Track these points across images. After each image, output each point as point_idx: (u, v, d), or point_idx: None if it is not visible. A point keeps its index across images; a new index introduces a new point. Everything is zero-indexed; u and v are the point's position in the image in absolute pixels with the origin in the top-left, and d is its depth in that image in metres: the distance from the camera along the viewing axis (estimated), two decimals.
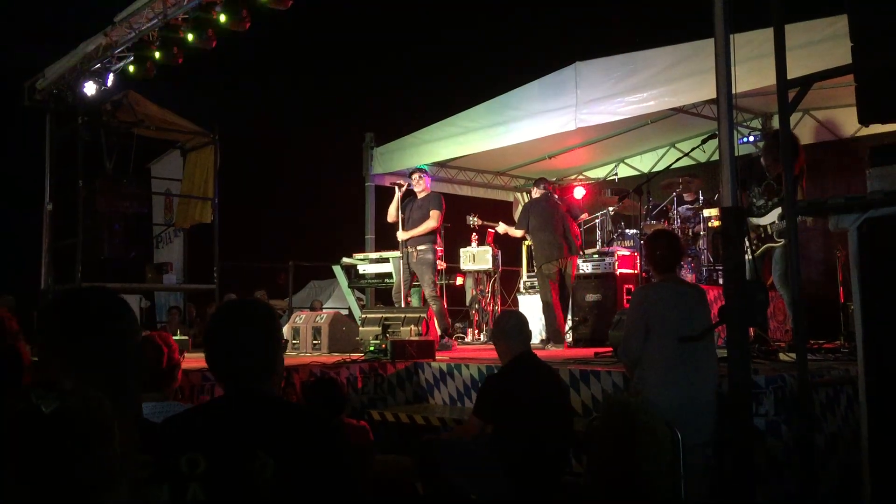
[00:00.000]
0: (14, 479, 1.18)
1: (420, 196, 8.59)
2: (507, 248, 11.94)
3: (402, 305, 8.34)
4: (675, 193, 9.01)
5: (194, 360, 5.40)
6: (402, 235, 8.39)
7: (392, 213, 8.66)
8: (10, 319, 3.76)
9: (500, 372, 4.57)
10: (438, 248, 8.55)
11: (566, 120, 9.25)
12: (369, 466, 4.52)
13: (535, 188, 8.83)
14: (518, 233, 8.79)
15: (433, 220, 8.32)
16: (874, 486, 3.72)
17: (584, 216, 9.86)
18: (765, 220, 6.46)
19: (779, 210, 6.41)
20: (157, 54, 9.43)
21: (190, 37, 8.90)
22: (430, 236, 8.36)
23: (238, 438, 1.89)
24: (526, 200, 14.28)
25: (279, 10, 8.39)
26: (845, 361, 5.71)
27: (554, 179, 14.20)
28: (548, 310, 8.24)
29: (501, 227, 9.27)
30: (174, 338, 3.73)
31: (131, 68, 9.87)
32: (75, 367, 1.57)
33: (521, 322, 4.62)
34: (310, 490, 1.89)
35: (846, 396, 5.01)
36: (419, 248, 8.31)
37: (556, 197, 9.09)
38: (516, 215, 14.13)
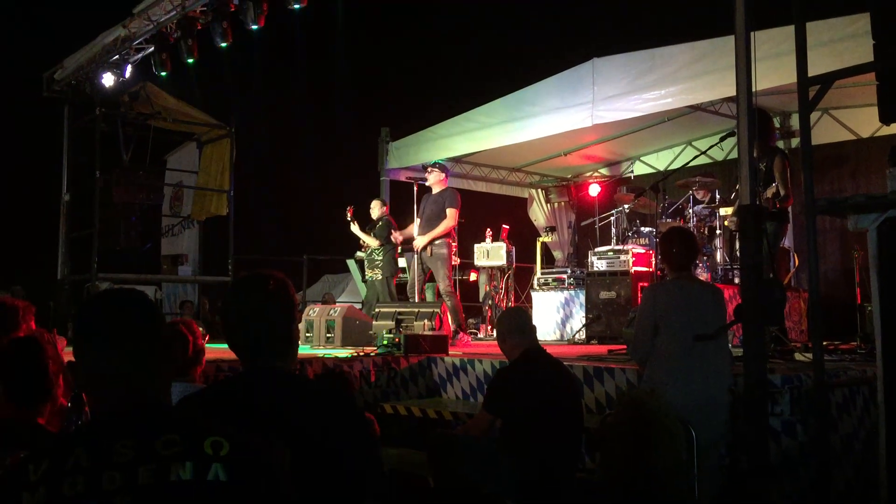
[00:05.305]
0: None
1: (435, 191, 8.57)
2: (521, 245, 11.93)
3: (416, 300, 8.33)
4: (691, 192, 8.96)
5: (210, 352, 5.42)
6: (419, 241, 8.37)
7: (409, 230, 8.72)
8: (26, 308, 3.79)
9: (511, 366, 4.53)
10: (453, 244, 8.54)
11: (583, 116, 9.19)
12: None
13: None
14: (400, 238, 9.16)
15: (450, 220, 8.30)
16: (891, 487, 3.69)
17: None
18: None
19: None
20: (174, 46, 9.46)
21: (208, 29, 8.93)
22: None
23: (257, 424, 1.89)
24: (541, 197, 14.30)
25: (296, 5, 8.42)
26: (862, 362, 5.67)
27: (570, 176, 14.19)
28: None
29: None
30: None
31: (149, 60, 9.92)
32: (110, 369, 1.58)
33: (523, 317, 4.58)
34: (331, 473, 1.88)
35: (862, 397, 4.97)
36: (434, 243, 8.31)
37: None
38: (530, 212, 14.19)
